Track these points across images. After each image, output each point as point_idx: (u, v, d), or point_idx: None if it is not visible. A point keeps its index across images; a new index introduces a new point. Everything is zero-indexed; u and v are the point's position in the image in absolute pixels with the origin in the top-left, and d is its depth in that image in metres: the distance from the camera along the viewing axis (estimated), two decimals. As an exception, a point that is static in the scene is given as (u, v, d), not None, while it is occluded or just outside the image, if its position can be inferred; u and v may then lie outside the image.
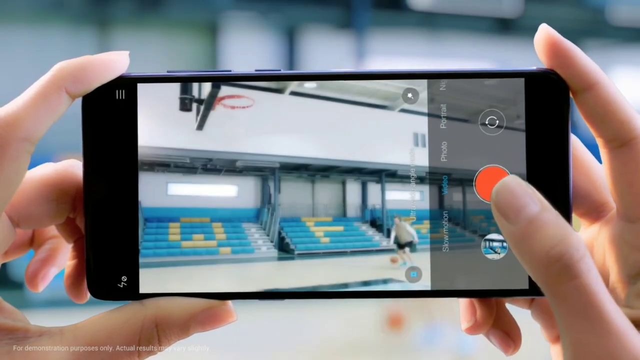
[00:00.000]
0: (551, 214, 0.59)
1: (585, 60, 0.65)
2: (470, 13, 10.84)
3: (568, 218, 0.67)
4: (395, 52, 10.84)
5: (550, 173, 0.68)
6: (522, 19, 10.61)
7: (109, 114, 0.69)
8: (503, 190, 0.60)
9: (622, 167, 0.64)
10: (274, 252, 0.71)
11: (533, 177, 0.68)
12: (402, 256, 0.71)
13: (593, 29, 11.34)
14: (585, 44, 10.96)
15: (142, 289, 0.69)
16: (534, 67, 0.68)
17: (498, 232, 0.69)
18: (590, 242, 0.69)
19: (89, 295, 0.70)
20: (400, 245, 0.71)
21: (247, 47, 10.25)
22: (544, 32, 0.66)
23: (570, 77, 0.66)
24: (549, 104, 0.67)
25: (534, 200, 0.59)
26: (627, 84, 10.94)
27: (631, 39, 11.68)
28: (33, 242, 0.75)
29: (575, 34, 10.58)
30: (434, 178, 0.70)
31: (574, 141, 0.69)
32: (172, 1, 9.79)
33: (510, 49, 10.53)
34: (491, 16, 10.98)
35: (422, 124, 0.70)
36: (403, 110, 0.70)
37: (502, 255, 0.69)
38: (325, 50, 10.60)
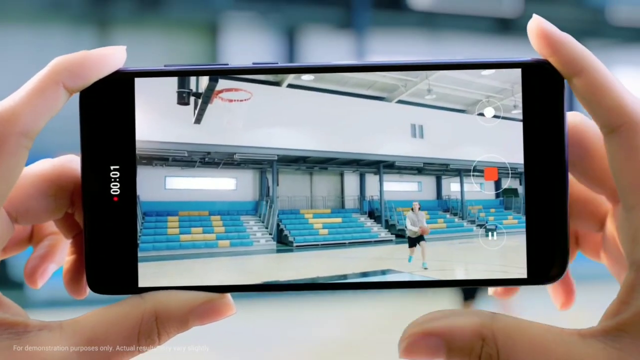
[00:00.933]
0: None
1: (573, 46, 0.65)
2: (470, 13, 10.85)
3: (564, 207, 0.67)
4: (395, 52, 10.84)
5: (547, 162, 0.67)
6: (522, 19, 10.62)
7: (106, 108, 0.68)
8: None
9: (613, 154, 0.64)
10: (273, 245, 0.71)
11: (530, 165, 0.68)
12: (415, 251, 0.71)
13: (593, 29, 11.34)
14: (585, 44, 10.92)
15: (141, 283, 0.68)
16: (529, 58, 0.68)
17: (496, 221, 0.69)
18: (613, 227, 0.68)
19: (88, 290, 0.70)
20: (413, 241, 0.71)
21: (247, 47, 10.26)
22: (535, 22, 0.66)
23: (559, 64, 0.66)
24: (545, 93, 0.67)
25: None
26: (627, 84, 10.90)
27: (631, 39, 11.69)
28: (32, 238, 0.75)
29: (575, 34, 10.48)
30: (432, 169, 0.70)
31: (588, 127, 0.68)
32: (172, 1, 9.80)
33: (510, 49, 10.53)
34: (491, 16, 10.99)
35: (418, 115, 0.70)
36: (400, 102, 0.71)
37: (500, 245, 0.69)
38: (325, 50, 10.61)
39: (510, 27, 10.91)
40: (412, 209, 0.71)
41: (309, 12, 10.39)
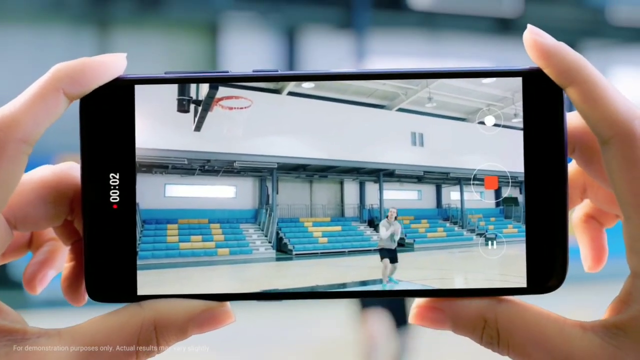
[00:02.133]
0: None
1: (566, 56, 0.65)
2: (470, 13, 10.86)
3: (564, 215, 0.67)
4: (395, 52, 10.85)
5: (547, 171, 0.67)
6: (522, 19, 10.62)
7: (106, 115, 0.68)
8: None
9: (608, 165, 0.64)
10: (272, 253, 0.71)
11: (530, 174, 0.68)
12: (385, 271, 0.70)
13: (593, 29, 11.35)
14: (585, 44, 10.97)
15: (140, 291, 0.68)
16: (529, 66, 0.68)
17: (496, 230, 0.69)
18: None
19: (86, 297, 0.70)
20: (385, 252, 0.71)
21: (247, 47, 10.26)
22: (528, 33, 0.66)
23: (553, 75, 0.65)
24: (545, 102, 0.67)
25: None
26: (627, 84, 10.92)
27: (631, 39, 11.69)
28: (31, 243, 0.75)
29: (575, 34, 10.60)
30: (433, 177, 0.70)
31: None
32: (172, 1, 9.81)
33: (510, 49, 10.53)
34: (491, 16, 11.00)
35: (419, 123, 0.70)
36: (401, 110, 0.70)
37: (500, 254, 0.69)
38: (325, 50, 10.61)
39: (510, 27, 10.90)
40: (388, 217, 0.71)
41: (309, 12, 10.40)
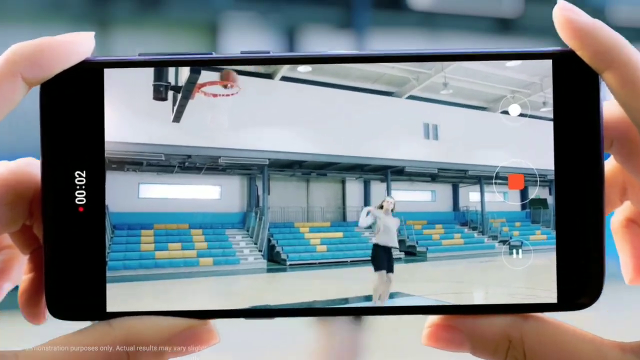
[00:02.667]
0: None
1: (603, 37, 0.61)
2: (470, 13, 11.08)
3: (600, 219, 0.63)
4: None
5: (581, 168, 0.63)
6: (522, 19, 10.83)
7: (71, 104, 0.63)
8: None
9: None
10: (263, 263, 0.68)
11: (561, 172, 0.63)
12: (381, 287, 0.66)
13: (594, 28, 11.57)
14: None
15: (110, 307, 0.63)
16: (559, 48, 0.64)
17: (521, 237, 0.65)
18: None
19: (47, 315, 0.65)
20: (381, 256, 0.67)
21: (247, 47, 10.43)
22: (559, 9, 0.62)
23: (588, 57, 0.61)
24: (579, 88, 0.63)
25: None
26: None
27: (631, 39, 11.83)
28: None
29: (576, 34, 10.80)
30: (448, 175, 0.67)
31: None
32: (172, 1, 9.99)
33: (510, 49, 10.72)
34: (491, 16, 11.22)
35: (433, 113, 0.66)
36: (412, 97, 0.67)
37: (527, 264, 0.65)
38: (325, 50, 10.83)
39: (510, 27, 11.12)
40: (383, 207, 0.67)
41: (309, 12, 10.62)
